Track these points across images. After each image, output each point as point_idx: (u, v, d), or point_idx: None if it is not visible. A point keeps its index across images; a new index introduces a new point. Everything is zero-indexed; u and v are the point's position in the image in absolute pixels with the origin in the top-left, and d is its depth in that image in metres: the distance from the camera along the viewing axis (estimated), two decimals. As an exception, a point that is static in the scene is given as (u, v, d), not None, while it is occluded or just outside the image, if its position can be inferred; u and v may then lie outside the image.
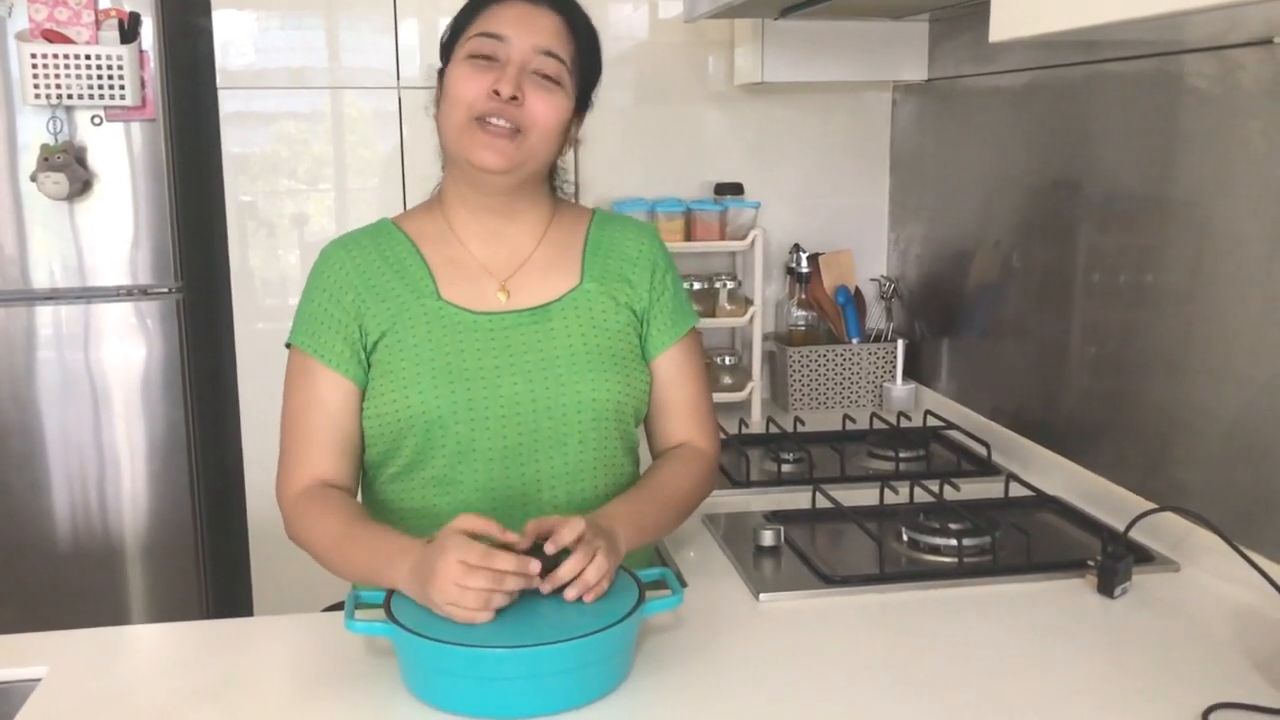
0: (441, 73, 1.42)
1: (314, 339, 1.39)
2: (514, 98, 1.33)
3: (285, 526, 1.39)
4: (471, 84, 1.34)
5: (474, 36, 1.36)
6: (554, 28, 1.37)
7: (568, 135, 1.42)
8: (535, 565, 1.15)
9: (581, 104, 1.42)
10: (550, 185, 1.50)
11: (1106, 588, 1.43)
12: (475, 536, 1.17)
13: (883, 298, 2.57)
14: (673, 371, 1.48)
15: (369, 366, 1.39)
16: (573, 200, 1.59)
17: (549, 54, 1.35)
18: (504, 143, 1.34)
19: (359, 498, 1.47)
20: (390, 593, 1.21)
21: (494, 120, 1.33)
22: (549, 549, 1.18)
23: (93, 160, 2.38)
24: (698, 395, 1.50)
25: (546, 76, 1.36)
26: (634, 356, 1.45)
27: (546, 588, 1.17)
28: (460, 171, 1.41)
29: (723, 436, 1.60)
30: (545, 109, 1.35)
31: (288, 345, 1.43)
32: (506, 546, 1.21)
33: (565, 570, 1.17)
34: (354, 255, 1.42)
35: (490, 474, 1.38)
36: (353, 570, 1.30)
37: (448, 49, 1.41)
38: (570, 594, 1.17)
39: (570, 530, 1.19)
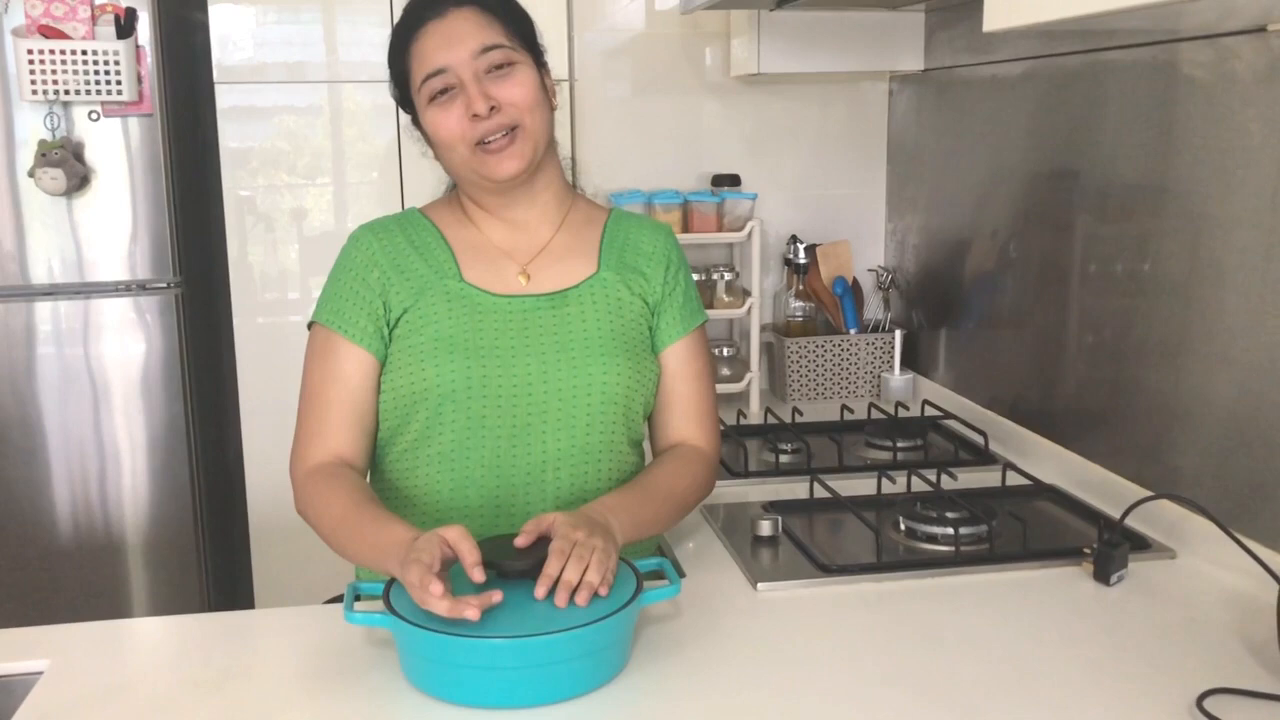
0: (415, 121, 1.45)
1: (338, 315, 1.42)
2: (492, 108, 1.36)
3: (295, 501, 1.40)
4: (450, 122, 1.38)
5: (422, 84, 1.38)
6: (474, 23, 1.38)
7: (549, 93, 1.44)
8: (472, 613, 1.11)
9: (536, 57, 1.44)
10: (560, 166, 1.52)
11: (1103, 575, 1.43)
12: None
13: (880, 288, 2.57)
14: (678, 366, 1.50)
15: (390, 343, 1.41)
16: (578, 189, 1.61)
17: (487, 49, 1.37)
18: (511, 148, 1.38)
19: (367, 479, 1.49)
20: (389, 584, 1.21)
21: (490, 139, 1.37)
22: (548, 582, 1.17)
23: (90, 156, 2.37)
24: (701, 393, 1.51)
25: (499, 65, 1.38)
26: (645, 346, 1.47)
27: (540, 591, 1.16)
28: (478, 187, 1.44)
29: (721, 428, 1.61)
30: (519, 91, 1.38)
31: (310, 325, 1.45)
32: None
33: (551, 568, 1.16)
34: (381, 238, 1.46)
35: (497, 452, 1.39)
36: (354, 553, 1.32)
37: (405, 100, 1.44)
38: (560, 600, 1.15)
39: (556, 560, 1.17)
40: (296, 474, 1.41)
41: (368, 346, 1.41)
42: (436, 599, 1.10)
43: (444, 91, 1.38)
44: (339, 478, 1.37)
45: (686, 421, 1.51)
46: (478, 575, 1.15)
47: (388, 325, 1.41)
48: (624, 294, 1.47)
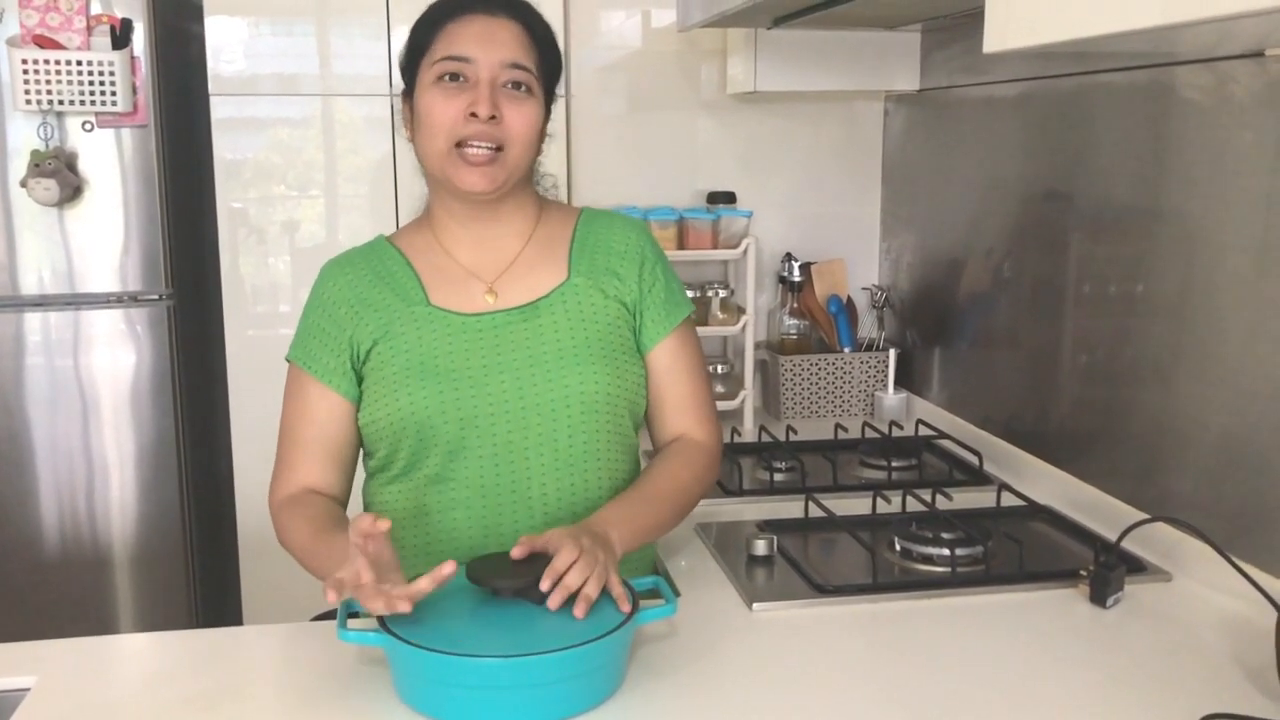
0: (407, 94, 1.43)
1: (306, 353, 1.43)
2: (492, 116, 1.34)
3: (275, 532, 1.42)
4: (447, 108, 1.36)
5: (439, 60, 1.37)
6: (516, 38, 1.38)
7: (541, 136, 1.43)
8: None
9: (548, 100, 1.43)
10: (533, 186, 1.50)
11: (1099, 597, 1.43)
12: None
13: (874, 307, 2.57)
14: (668, 363, 1.48)
15: (362, 379, 1.41)
16: (562, 202, 1.60)
17: (516, 66, 1.37)
18: (487, 166, 1.36)
19: (362, 501, 1.49)
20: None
21: (475, 144, 1.35)
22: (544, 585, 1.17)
23: (83, 166, 2.36)
24: (694, 386, 1.50)
25: (517, 85, 1.37)
26: (625, 349, 1.45)
27: (546, 584, 1.17)
28: (444, 189, 1.43)
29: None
30: (521, 121, 1.37)
31: (287, 359, 1.46)
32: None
33: (560, 562, 1.17)
34: (347, 272, 1.45)
35: (481, 471, 1.39)
36: (320, 575, 1.31)
37: (409, 71, 1.42)
38: (553, 602, 1.16)
39: (567, 555, 1.18)
40: (271, 505, 1.43)
41: (335, 387, 1.41)
42: (374, 603, 1.12)
43: (455, 78, 1.36)
44: (305, 504, 1.39)
45: (682, 415, 1.50)
46: (382, 524, 1.14)
47: (356, 361, 1.41)
48: (598, 298, 1.44)
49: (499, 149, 1.36)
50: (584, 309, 1.43)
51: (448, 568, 1.13)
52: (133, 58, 2.33)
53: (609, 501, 1.39)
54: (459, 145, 1.36)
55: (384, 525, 1.14)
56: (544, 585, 1.16)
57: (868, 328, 2.59)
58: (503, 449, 1.38)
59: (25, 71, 2.25)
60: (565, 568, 1.17)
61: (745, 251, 2.41)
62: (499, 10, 1.38)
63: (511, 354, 1.39)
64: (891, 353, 2.45)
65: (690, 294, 2.39)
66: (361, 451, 1.48)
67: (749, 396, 2.43)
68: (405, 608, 1.12)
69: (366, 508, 1.48)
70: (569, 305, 1.43)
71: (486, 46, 1.36)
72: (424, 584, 1.13)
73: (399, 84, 2.51)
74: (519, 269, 1.45)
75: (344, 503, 1.45)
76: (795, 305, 2.54)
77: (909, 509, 1.71)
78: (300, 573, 1.40)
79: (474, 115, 1.34)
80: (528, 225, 1.48)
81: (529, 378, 1.39)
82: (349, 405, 1.42)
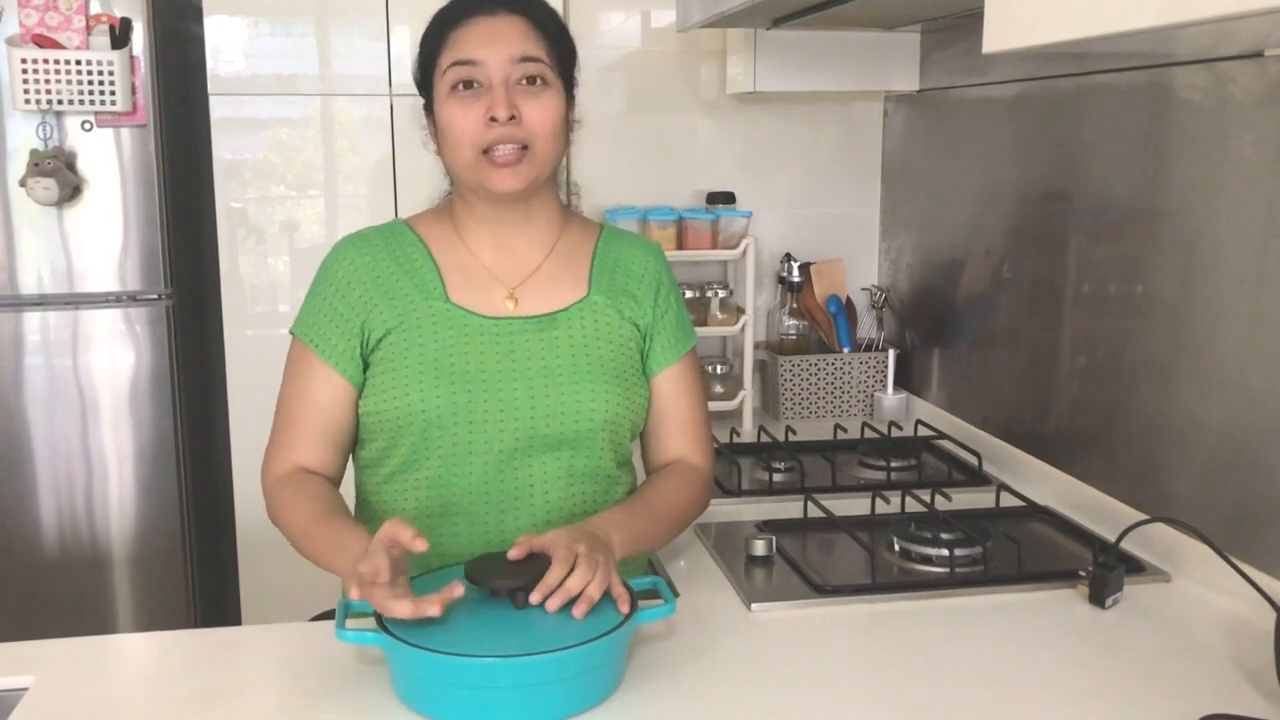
0: (427, 108, 1.43)
1: (314, 331, 1.41)
2: (511, 117, 1.33)
3: (266, 508, 1.41)
4: (466, 117, 1.35)
5: (450, 68, 1.36)
6: (522, 31, 1.37)
7: (568, 126, 1.42)
8: (412, 610, 1.12)
9: (568, 87, 1.42)
10: (557, 192, 1.50)
11: (1098, 598, 1.43)
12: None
13: (874, 307, 2.57)
14: (671, 388, 1.49)
15: (369, 365, 1.40)
16: (573, 207, 1.60)
17: (527, 59, 1.36)
18: (517, 165, 1.35)
19: (352, 498, 1.48)
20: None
21: (501, 147, 1.34)
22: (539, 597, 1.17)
23: (83, 166, 2.37)
24: (695, 411, 1.51)
25: (532, 79, 1.36)
26: (634, 371, 1.45)
27: (536, 597, 1.17)
28: (474, 195, 1.41)
29: (714, 447, 1.61)
30: (543, 114, 1.36)
31: (291, 333, 1.44)
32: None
33: (552, 577, 1.17)
34: (365, 253, 1.43)
35: (485, 476, 1.38)
36: (315, 559, 1.32)
37: (425, 85, 1.42)
38: (552, 605, 1.16)
39: (559, 568, 1.18)
40: (265, 481, 1.42)
41: (340, 369, 1.39)
42: (397, 606, 1.11)
43: (469, 85, 1.35)
44: (304, 485, 1.38)
45: (682, 439, 1.50)
46: (419, 545, 1.14)
47: (365, 347, 1.40)
48: (614, 318, 1.45)
49: (525, 147, 1.35)
50: (600, 327, 1.43)
51: (457, 590, 1.13)
52: (132, 57, 2.33)
53: (611, 507, 1.39)
54: (485, 152, 1.35)
55: (421, 547, 1.14)
56: (534, 598, 1.16)
57: (867, 328, 2.59)
58: (508, 455, 1.38)
59: (24, 71, 2.25)
60: (556, 583, 1.16)
61: (744, 252, 2.41)
62: (499, 8, 1.37)
63: (527, 362, 1.39)
64: (891, 353, 2.45)
65: (690, 294, 2.42)
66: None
67: (748, 397, 2.43)
68: (436, 611, 1.11)
69: (363, 504, 1.48)
70: (586, 322, 1.43)
71: (493, 46, 1.35)
72: (435, 607, 1.12)
73: (400, 84, 2.52)
74: (541, 278, 1.44)
75: (339, 484, 1.44)
76: (794, 305, 2.54)
77: (908, 509, 1.71)
78: (299, 573, 1.40)
79: (494, 119, 1.33)
80: (551, 234, 1.47)
81: (542, 388, 1.38)
82: (352, 390, 1.40)
